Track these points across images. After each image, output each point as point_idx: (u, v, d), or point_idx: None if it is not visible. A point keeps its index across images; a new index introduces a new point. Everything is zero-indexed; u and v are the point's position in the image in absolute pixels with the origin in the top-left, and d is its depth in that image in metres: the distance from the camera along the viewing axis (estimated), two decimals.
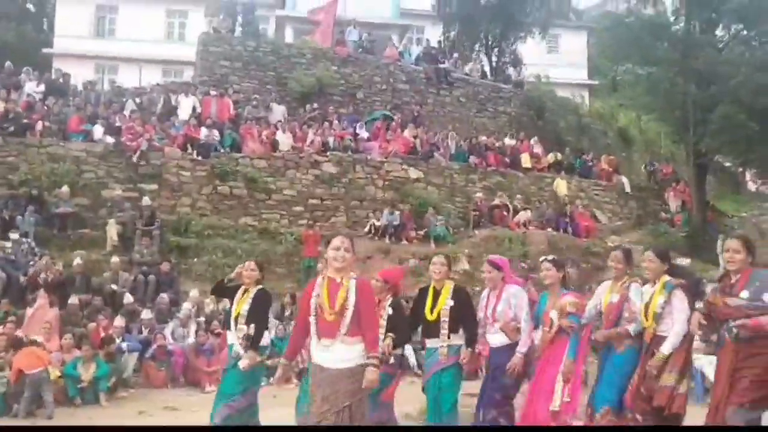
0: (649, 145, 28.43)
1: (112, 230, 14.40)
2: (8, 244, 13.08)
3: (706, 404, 5.70)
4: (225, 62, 21.25)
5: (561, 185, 20.60)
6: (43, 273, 12.18)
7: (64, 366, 10.00)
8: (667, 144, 27.00)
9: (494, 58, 29.02)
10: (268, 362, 10.76)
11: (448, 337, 6.09)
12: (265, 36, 25.60)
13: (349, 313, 4.73)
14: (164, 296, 12.94)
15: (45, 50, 28.82)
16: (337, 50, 22.57)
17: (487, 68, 27.71)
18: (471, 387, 6.77)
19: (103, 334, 11.07)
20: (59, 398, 9.61)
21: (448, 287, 6.21)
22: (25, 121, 15.89)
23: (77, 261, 13.02)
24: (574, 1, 39.07)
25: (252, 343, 6.12)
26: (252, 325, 6.16)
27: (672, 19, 22.62)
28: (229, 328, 6.43)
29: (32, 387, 9.18)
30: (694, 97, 20.43)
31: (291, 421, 6.24)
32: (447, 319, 6.09)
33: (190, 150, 16.70)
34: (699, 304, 5.34)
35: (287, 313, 13.03)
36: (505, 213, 18.63)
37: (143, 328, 11.98)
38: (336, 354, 4.73)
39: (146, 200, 15.12)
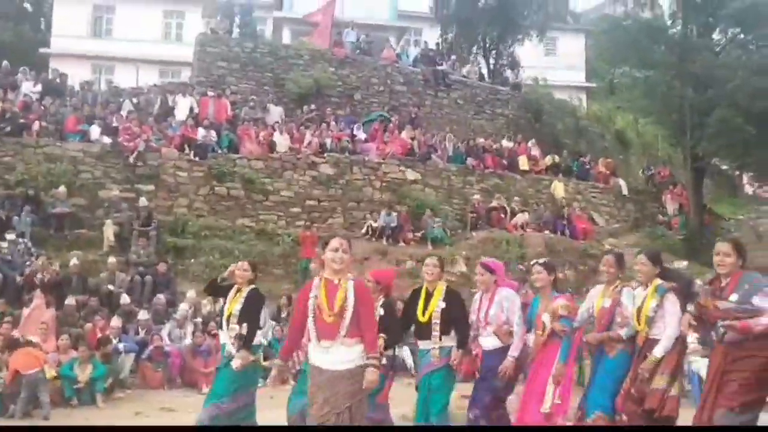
0: (647, 148, 28.49)
1: (109, 231, 14.38)
2: (5, 245, 13.03)
3: None
4: (222, 63, 21.21)
5: (558, 188, 20.62)
6: (40, 273, 12.17)
7: (61, 367, 10.00)
8: (665, 147, 27.04)
9: (492, 61, 29.08)
10: (266, 363, 10.85)
11: (440, 339, 6.08)
12: (263, 37, 25.57)
13: (348, 315, 4.73)
14: (161, 297, 12.93)
15: (42, 50, 28.77)
16: (335, 52, 22.57)
17: (484, 70, 27.77)
18: (467, 389, 6.76)
19: (99, 335, 11.08)
20: (56, 399, 9.62)
21: (441, 289, 6.19)
22: (22, 121, 15.86)
23: (74, 261, 13.01)
24: (571, 4, 39.30)
25: (244, 342, 6.13)
26: (244, 325, 6.17)
27: (669, 22, 22.68)
28: (221, 328, 6.44)
29: (29, 387, 9.18)
30: (691, 101, 20.47)
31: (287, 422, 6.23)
32: (438, 321, 6.07)
33: (187, 151, 16.67)
34: (691, 307, 5.37)
35: (284, 314, 13.01)
36: (502, 215, 18.62)
37: (140, 329, 11.98)
38: (336, 356, 4.72)
39: (143, 201, 15.10)
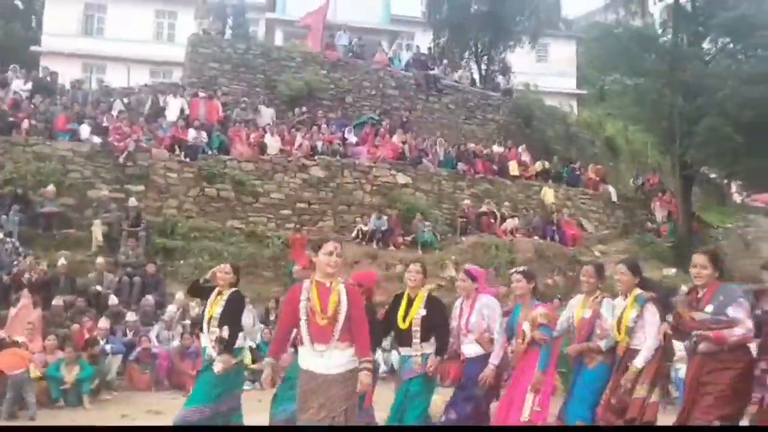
0: (636, 155, 28.61)
1: (98, 231, 14.31)
2: None
3: None
4: (214, 64, 21.18)
5: (548, 193, 20.68)
6: (27, 273, 12.11)
7: (47, 367, 9.92)
8: (654, 154, 27.18)
9: (483, 66, 29.17)
10: (254, 366, 10.80)
11: (421, 346, 6.09)
12: (255, 39, 25.55)
13: (341, 318, 4.76)
14: (149, 298, 12.89)
15: (33, 48, 28.64)
16: (327, 54, 22.58)
17: (476, 76, 27.82)
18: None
19: (87, 336, 11.02)
20: (42, 400, 9.57)
21: (422, 296, 6.18)
22: (11, 119, 15.79)
23: (62, 261, 12.96)
24: (563, 11, 39.49)
25: (226, 346, 6.10)
26: (225, 328, 6.14)
27: (660, 31, 22.80)
28: (203, 330, 6.41)
29: (14, 388, 9.12)
30: (681, 109, 20.59)
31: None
32: (419, 329, 6.07)
33: (177, 151, 16.63)
34: (670, 317, 5.43)
35: (272, 317, 12.98)
36: (492, 220, 18.67)
37: (128, 330, 11.94)
38: (330, 360, 4.75)
39: (132, 201, 15.04)
